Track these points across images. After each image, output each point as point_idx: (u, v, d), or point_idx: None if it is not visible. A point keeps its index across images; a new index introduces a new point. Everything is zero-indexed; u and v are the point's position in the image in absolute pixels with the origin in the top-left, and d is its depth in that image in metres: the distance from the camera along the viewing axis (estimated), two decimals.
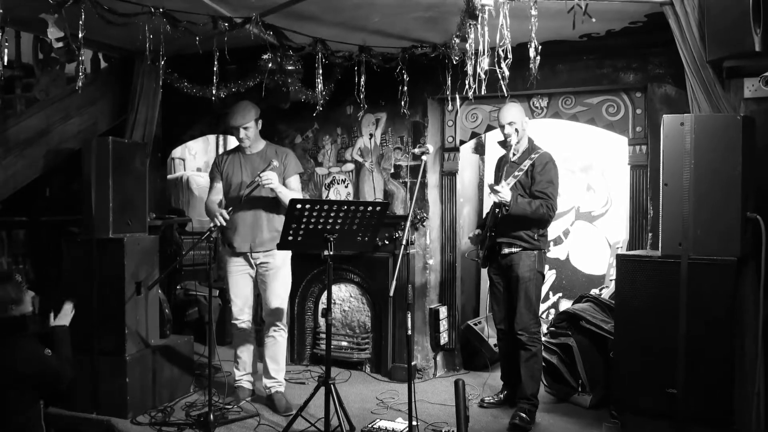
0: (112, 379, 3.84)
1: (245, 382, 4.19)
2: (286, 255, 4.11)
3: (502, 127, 3.93)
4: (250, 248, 3.99)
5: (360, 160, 5.12)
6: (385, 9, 3.70)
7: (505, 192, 3.72)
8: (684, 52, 3.32)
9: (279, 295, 4.07)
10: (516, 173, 3.84)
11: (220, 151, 7.57)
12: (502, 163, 4.05)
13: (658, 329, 3.28)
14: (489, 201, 5.23)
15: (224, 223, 3.82)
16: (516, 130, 3.87)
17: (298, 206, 3.26)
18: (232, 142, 7.31)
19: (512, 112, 3.91)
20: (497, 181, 3.92)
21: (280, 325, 4.10)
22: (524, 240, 3.84)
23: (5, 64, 3.38)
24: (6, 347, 2.94)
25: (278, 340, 4.11)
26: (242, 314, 4.10)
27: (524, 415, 3.77)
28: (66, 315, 3.32)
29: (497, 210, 3.86)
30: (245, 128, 3.96)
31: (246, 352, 4.18)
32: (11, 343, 2.96)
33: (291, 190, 3.96)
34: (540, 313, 4.63)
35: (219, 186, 4.11)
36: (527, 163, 3.85)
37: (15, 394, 2.94)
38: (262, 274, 4.07)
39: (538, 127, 4.71)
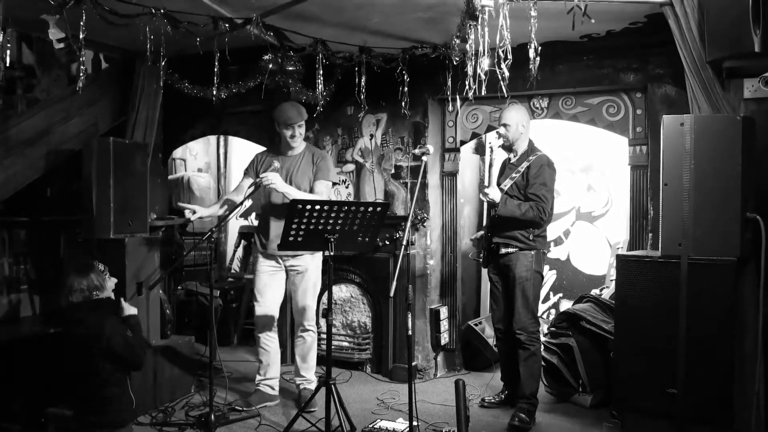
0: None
1: (263, 386, 4.15)
2: (317, 257, 4.11)
3: (499, 128, 3.97)
4: (279, 251, 3.96)
5: (360, 160, 5.13)
6: (385, 9, 3.70)
7: (494, 193, 3.77)
8: (684, 53, 3.33)
9: (308, 296, 4.09)
10: (513, 175, 3.89)
11: (221, 151, 7.56)
12: (504, 165, 4.08)
13: (658, 329, 3.29)
14: None
15: (190, 216, 3.82)
16: (501, 134, 3.92)
17: (299, 206, 3.27)
18: (234, 144, 7.36)
19: (509, 114, 3.94)
20: (488, 179, 3.96)
21: (309, 325, 4.11)
22: (519, 240, 3.85)
23: (7, 64, 3.38)
24: (97, 323, 3.20)
25: (307, 340, 4.13)
26: (267, 316, 4.08)
27: (523, 416, 3.77)
28: (131, 308, 3.55)
29: (492, 211, 3.90)
30: (300, 126, 3.99)
31: (266, 356, 4.14)
32: (100, 320, 3.21)
33: (313, 194, 3.93)
34: (540, 313, 4.64)
35: (245, 184, 4.08)
36: (524, 165, 3.88)
37: (109, 368, 3.21)
38: (292, 277, 4.10)
39: (538, 128, 4.72)
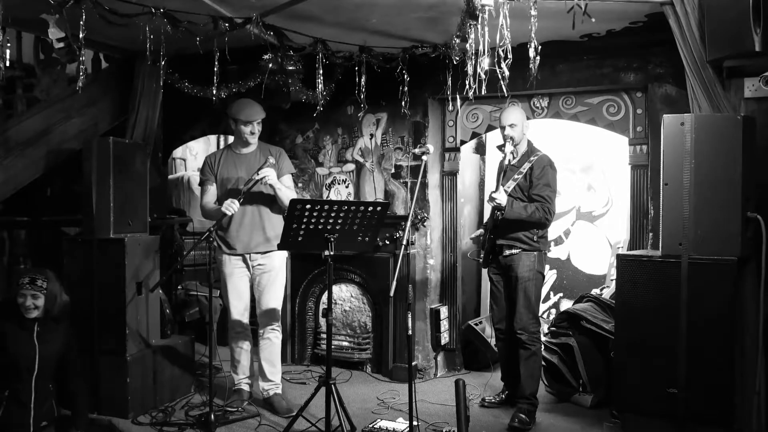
0: (113, 379, 3.85)
1: (244, 384, 4.17)
2: (284, 255, 4.10)
3: (503, 129, 3.93)
4: (248, 249, 3.97)
5: (361, 160, 5.13)
6: (385, 9, 3.70)
7: (501, 197, 3.73)
8: (684, 52, 3.32)
9: (276, 296, 4.06)
10: (515, 177, 3.86)
11: None
12: (502, 166, 4.05)
13: (658, 329, 3.28)
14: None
15: (236, 210, 3.76)
16: (512, 137, 3.88)
17: (299, 206, 3.26)
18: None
19: (515, 114, 3.92)
20: (497, 184, 3.92)
21: (275, 326, 4.07)
22: (523, 241, 3.84)
23: (6, 64, 3.38)
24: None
25: (274, 341, 4.07)
26: (243, 317, 4.09)
27: (523, 416, 3.77)
28: None
29: (496, 213, 3.87)
30: (258, 123, 3.98)
31: (245, 356, 4.15)
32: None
33: (287, 188, 3.96)
34: (541, 313, 4.63)
35: (213, 189, 4.03)
36: (526, 166, 3.86)
37: None
38: (258, 276, 4.04)
39: (538, 127, 4.72)
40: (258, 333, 4.11)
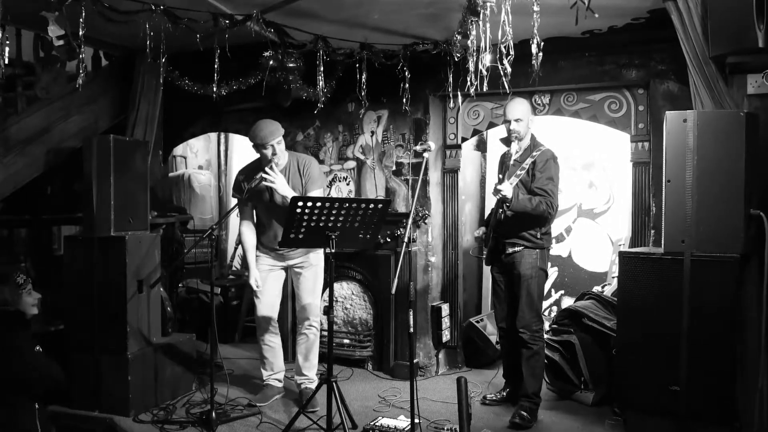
0: (114, 377, 3.84)
1: (272, 380, 4.19)
2: (320, 252, 4.08)
3: (508, 122, 3.89)
4: (281, 248, 3.93)
5: (361, 157, 5.12)
6: (386, 6, 3.69)
7: (507, 189, 3.69)
8: (686, 49, 3.31)
9: (313, 291, 4.08)
10: (518, 172, 3.82)
11: (222, 149, 7.55)
12: (505, 160, 4.03)
13: (660, 326, 3.28)
14: (491, 198, 5.22)
15: (256, 289, 3.92)
16: (517, 132, 3.85)
17: (300, 204, 3.25)
18: (235, 141, 7.35)
19: (521, 108, 3.88)
20: (500, 179, 3.90)
21: (312, 322, 4.10)
22: (527, 239, 3.82)
23: (6, 62, 3.37)
24: (5, 336, 2.93)
25: (310, 337, 4.12)
26: (268, 314, 4.09)
27: (525, 414, 3.76)
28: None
29: (500, 210, 3.84)
30: (278, 143, 3.83)
31: (270, 353, 4.17)
32: (9, 332, 2.94)
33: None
34: (542, 310, 4.62)
35: (248, 207, 4.00)
36: (529, 161, 3.83)
37: (18, 394, 2.91)
38: (296, 272, 4.08)
39: (540, 124, 4.70)
40: (297, 329, 4.15)
